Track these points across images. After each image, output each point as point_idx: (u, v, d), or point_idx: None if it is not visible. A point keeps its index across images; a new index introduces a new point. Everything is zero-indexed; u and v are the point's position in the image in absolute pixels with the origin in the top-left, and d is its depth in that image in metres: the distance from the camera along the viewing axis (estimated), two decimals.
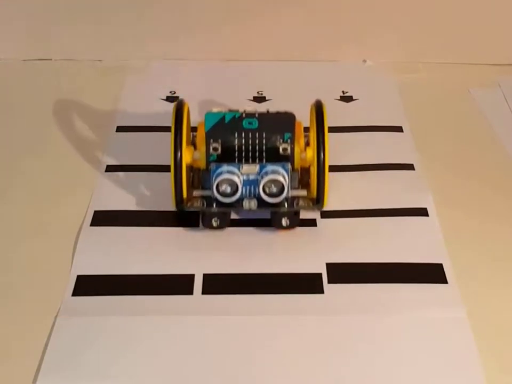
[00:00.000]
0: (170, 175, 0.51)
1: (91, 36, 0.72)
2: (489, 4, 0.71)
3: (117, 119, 0.65)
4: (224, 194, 0.50)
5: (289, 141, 0.51)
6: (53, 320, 0.46)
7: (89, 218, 0.54)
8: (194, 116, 0.65)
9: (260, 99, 0.68)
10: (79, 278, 0.49)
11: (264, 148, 0.51)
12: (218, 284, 0.49)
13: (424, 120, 0.65)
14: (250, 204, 0.51)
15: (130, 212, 0.55)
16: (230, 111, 0.51)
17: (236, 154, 0.51)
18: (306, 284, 0.49)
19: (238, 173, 0.50)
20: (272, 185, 0.50)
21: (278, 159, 0.51)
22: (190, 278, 0.49)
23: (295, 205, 0.51)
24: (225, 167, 0.50)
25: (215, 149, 0.51)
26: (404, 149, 0.61)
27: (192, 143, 0.55)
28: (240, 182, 0.50)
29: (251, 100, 0.67)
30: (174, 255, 0.51)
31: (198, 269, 0.50)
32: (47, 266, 0.51)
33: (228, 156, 0.51)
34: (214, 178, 0.50)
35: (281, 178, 0.49)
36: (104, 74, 0.71)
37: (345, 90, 0.69)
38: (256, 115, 0.50)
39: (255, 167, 0.50)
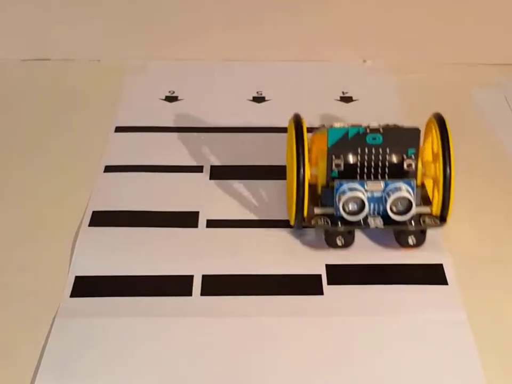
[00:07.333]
0: (291, 192, 0.50)
1: (90, 36, 0.72)
2: (489, 3, 0.71)
3: (116, 119, 0.65)
4: (351, 213, 0.49)
5: (413, 156, 0.50)
6: (51, 321, 0.46)
7: (88, 219, 0.54)
8: (196, 117, 0.65)
9: (259, 99, 0.67)
10: (77, 278, 0.49)
11: (387, 164, 0.49)
12: (217, 285, 0.49)
13: (424, 120, 0.65)
14: (376, 222, 0.49)
15: (129, 212, 0.54)
16: (353, 126, 0.50)
17: (359, 171, 0.50)
18: (306, 285, 0.49)
19: (363, 190, 0.49)
20: (399, 203, 0.49)
21: (401, 175, 0.50)
22: (189, 279, 0.49)
23: (421, 222, 0.50)
24: (350, 184, 0.49)
25: (338, 165, 0.49)
26: None
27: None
28: (366, 199, 0.49)
29: (250, 100, 0.67)
30: (172, 256, 0.51)
31: (197, 270, 0.50)
32: (45, 267, 0.50)
33: (351, 172, 0.50)
34: (338, 195, 0.49)
35: (409, 196, 0.48)
36: (103, 74, 0.71)
37: (345, 91, 0.69)
38: (381, 130, 0.49)
39: (381, 184, 0.49)
